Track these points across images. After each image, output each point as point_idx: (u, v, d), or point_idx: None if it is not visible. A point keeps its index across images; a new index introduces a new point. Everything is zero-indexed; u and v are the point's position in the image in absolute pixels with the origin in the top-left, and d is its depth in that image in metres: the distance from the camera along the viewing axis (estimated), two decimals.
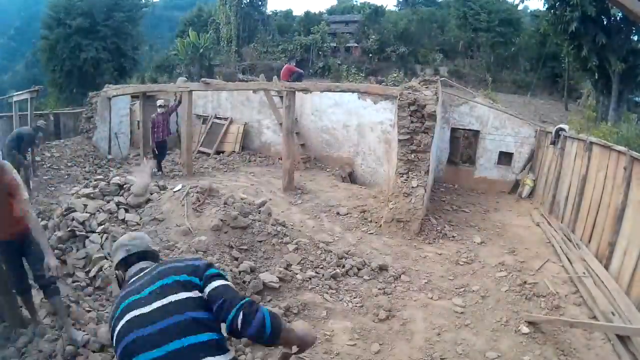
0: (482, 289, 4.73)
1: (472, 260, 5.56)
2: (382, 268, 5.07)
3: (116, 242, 1.90)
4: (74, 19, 18.99)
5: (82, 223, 4.78)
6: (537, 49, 25.69)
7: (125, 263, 1.81)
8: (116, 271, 1.85)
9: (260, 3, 33.38)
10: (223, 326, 1.54)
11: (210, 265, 1.66)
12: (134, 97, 11.61)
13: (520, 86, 25.78)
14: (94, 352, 3.12)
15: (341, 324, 3.96)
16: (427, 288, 4.77)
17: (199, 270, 1.61)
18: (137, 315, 1.49)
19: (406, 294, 4.63)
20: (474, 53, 29.24)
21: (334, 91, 9.40)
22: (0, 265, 3.14)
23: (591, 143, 5.99)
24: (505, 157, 9.30)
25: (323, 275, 4.74)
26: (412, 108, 6.59)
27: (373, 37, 30.63)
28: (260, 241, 4.99)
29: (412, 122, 6.58)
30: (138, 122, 10.99)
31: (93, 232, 4.73)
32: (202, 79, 9.64)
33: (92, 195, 5.29)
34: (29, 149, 8.06)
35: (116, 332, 1.51)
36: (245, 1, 31.55)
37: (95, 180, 5.74)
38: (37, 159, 8.99)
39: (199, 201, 5.39)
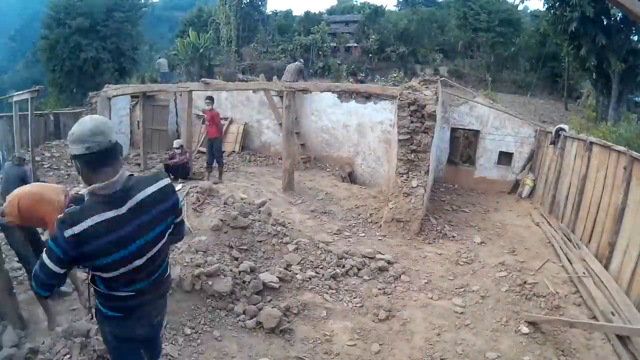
0: (482, 289, 4.73)
1: (472, 260, 5.56)
2: (382, 268, 5.07)
3: (78, 131, 1.67)
4: (74, 19, 18.97)
5: None
6: (537, 49, 25.66)
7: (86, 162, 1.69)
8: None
9: (260, 3, 33.32)
10: None
11: None
12: (134, 97, 11.61)
13: (520, 86, 25.75)
14: None
15: (341, 324, 3.96)
16: (427, 288, 4.78)
17: None
18: None
19: (406, 294, 4.63)
20: (474, 53, 29.22)
21: (334, 91, 9.40)
22: (1, 265, 3.14)
23: (591, 143, 5.99)
24: (505, 157, 9.30)
25: (323, 275, 4.74)
26: (412, 108, 6.59)
27: (373, 37, 30.62)
28: (260, 241, 5.00)
29: (412, 122, 6.58)
30: (138, 122, 10.99)
31: None
32: (202, 79, 9.63)
33: None
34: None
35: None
36: (245, 1, 31.51)
37: None
38: (37, 159, 8.99)
39: (199, 201, 5.39)
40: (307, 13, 36.92)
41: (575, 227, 6.14)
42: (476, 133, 9.45)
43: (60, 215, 1.67)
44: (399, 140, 6.67)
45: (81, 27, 19.04)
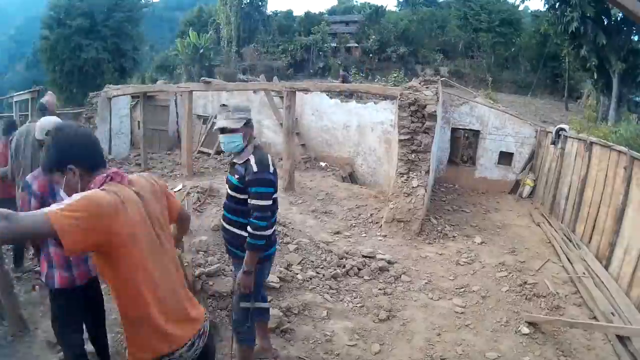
0: (482, 289, 4.73)
1: (472, 260, 5.56)
2: (383, 268, 5.07)
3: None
4: (74, 19, 19.00)
5: None
6: (537, 49, 25.69)
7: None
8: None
9: (260, 3, 33.39)
10: None
11: None
12: (134, 97, 11.62)
13: (520, 86, 25.77)
14: None
15: (341, 324, 3.96)
16: (427, 288, 4.77)
17: None
18: None
19: (406, 294, 4.63)
20: (475, 53, 29.25)
21: (334, 91, 9.39)
22: (2, 265, 3.15)
23: (591, 143, 5.99)
24: (505, 157, 9.30)
25: (323, 275, 4.74)
26: (412, 108, 6.59)
27: (373, 37, 30.67)
28: None
29: (412, 122, 6.58)
30: (138, 122, 11.00)
31: None
32: (202, 79, 9.64)
33: None
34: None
35: None
36: (245, 1, 31.58)
37: None
38: None
39: (200, 201, 5.40)
40: (308, 13, 36.98)
41: (575, 227, 6.14)
42: (477, 133, 9.45)
43: None
44: (400, 141, 6.68)
45: (81, 28, 19.09)
